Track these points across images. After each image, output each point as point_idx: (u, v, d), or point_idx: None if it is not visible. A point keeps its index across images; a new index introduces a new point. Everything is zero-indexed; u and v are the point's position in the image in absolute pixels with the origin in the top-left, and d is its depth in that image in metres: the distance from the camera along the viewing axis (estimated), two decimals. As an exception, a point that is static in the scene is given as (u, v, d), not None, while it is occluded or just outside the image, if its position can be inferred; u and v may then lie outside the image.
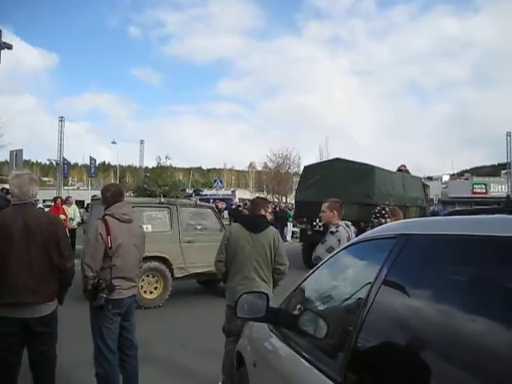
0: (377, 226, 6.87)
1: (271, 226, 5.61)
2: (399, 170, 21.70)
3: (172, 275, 10.16)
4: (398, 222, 2.73)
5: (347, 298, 2.68)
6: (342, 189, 14.41)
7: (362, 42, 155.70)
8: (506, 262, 1.66)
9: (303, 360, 2.65)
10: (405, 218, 15.15)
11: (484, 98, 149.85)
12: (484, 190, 65.14)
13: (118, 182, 74.04)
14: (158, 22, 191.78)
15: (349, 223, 5.81)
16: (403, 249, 2.18)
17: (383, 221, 7.30)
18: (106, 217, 4.82)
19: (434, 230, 2.14)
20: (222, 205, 24.95)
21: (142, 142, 45.39)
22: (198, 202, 12.05)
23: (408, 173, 21.89)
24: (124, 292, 4.78)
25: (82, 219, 17.82)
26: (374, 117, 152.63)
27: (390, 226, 2.60)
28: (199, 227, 11.09)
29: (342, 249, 3.07)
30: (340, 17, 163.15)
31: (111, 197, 4.95)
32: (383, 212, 7.66)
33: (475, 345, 1.59)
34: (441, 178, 75.74)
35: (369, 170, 16.84)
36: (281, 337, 3.15)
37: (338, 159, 18.39)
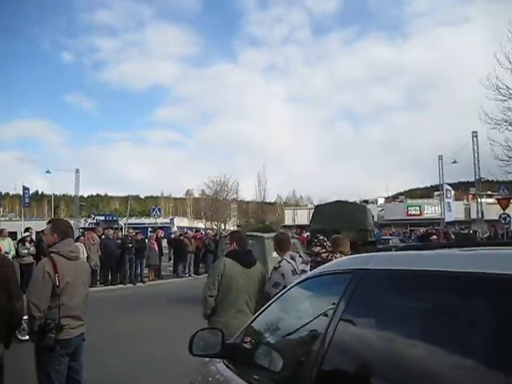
0: (312, 253, 7.05)
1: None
2: None
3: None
4: (352, 256, 2.82)
5: (304, 332, 2.73)
6: (344, 220, 20.77)
7: (298, 69, 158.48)
8: (458, 295, 1.78)
9: (260, 394, 2.69)
10: (366, 239, 19.47)
11: (416, 121, 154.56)
12: (418, 212, 67.03)
13: (52, 211, 72.45)
14: (92, 47, 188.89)
15: (295, 255, 5.94)
16: (359, 284, 2.26)
17: (318, 249, 7.50)
18: (52, 254, 4.71)
19: (388, 265, 2.22)
20: (160, 233, 24.70)
21: (77, 170, 44.46)
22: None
23: None
24: (72, 331, 4.68)
25: (16, 252, 17.18)
26: (310, 142, 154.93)
27: (346, 261, 2.68)
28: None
29: (298, 283, 3.12)
30: (276, 44, 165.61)
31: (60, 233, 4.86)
32: (322, 241, 7.86)
33: (433, 376, 1.67)
34: (376, 201, 77.34)
35: (363, 206, 27.38)
36: (236, 371, 3.16)
37: (340, 201, 26.85)
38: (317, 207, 27.48)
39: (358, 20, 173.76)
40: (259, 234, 14.95)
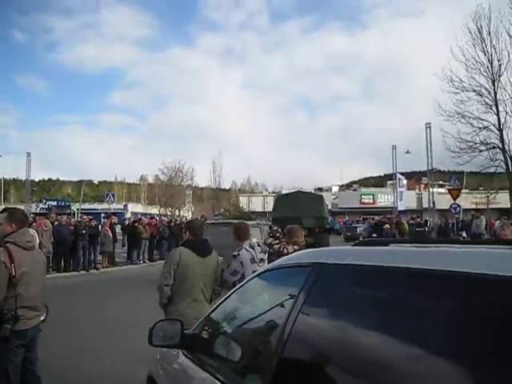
0: (268, 245, 7.14)
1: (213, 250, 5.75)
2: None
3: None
4: (311, 250, 2.89)
5: (262, 323, 2.80)
6: (303, 208, 23.00)
7: (255, 56, 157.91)
8: (410, 290, 1.88)
9: (218, 383, 2.73)
10: (324, 226, 21.81)
11: (371, 111, 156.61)
12: (372, 201, 68.23)
13: (2, 196, 70.73)
14: (46, 27, 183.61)
15: (255, 244, 6.02)
16: (318, 277, 2.33)
17: (270, 240, 7.61)
18: (8, 244, 4.62)
19: (345, 260, 2.30)
20: (114, 219, 24.46)
21: (28, 154, 43.58)
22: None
23: None
24: (29, 322, 4.63)
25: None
26: (266, 129, 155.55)
27: (305, 254, 2.75)
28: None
29: (257, 274, 3.18)
30: (233, 30, 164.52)
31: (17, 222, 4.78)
32: (275, 232, 7.97)
33: (387, 364, 1.77)
34: (330, 189, 78.29)
35: (320, 196, 29.21)
36: (196, 361, 3.21)
37: (300, 191, 30.67)
38: (278, 197, 30.33)
39: (317, 9, 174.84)
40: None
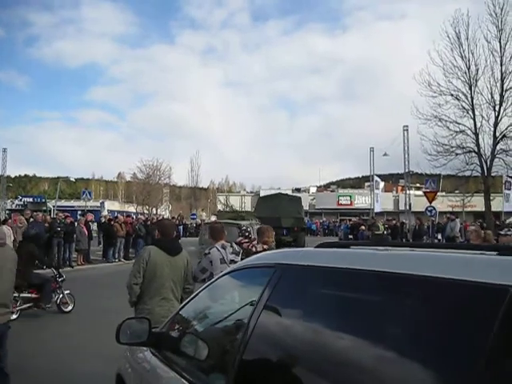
0: (238, 243, 7.17)
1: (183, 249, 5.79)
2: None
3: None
4: (275, 251, 2.93)
5: (229, 322, 2.85)
6: (283, 208, 25.54)
7: (236, 55, 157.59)
8: (367, 291, 1.97)
9: (185, 381, 2.76)
10: (302, 225, 24.45)
11: (351, 113, 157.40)
12: (349, 202, 68.49)
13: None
14: (25, 21, 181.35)
15: (227, 244, 6.07)
16: (281, 277, 2.38)
17: (240, 239, 7.66)
18: None
19: (307, 261, 2.36)
20: (90, 217, 24.30)
21: (4, 150, 43.09)
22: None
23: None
24: None
25: None
26: (245, 129, 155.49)
27: (269, 255, 2.80)
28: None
29: (224, 274, 3.21)
30: (215, 28, 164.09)
31: None
32: (245, 232, 8.03)
33: (345, 362, 1.84)
34: (308, 190, 78.50)
35: (298, 198, 31.69)
36: (163, 360, 3.23)
37: (280, 193, 33.23)
38: (260, 198, 32.94)
39: (298, 10, 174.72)
40: (237, 221, 17.91)
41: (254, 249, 6.99)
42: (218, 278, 3.26)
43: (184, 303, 3.52)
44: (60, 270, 11.85)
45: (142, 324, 3.36)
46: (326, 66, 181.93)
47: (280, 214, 24.68)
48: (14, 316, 10.16)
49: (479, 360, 1.38)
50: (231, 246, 6.17)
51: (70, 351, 7.70)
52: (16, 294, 10.05)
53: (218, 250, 5.93)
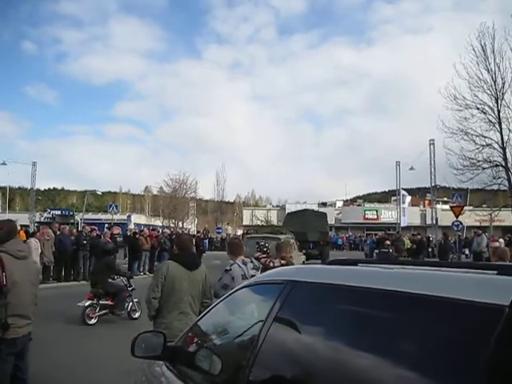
0: (256, 258, 7.19)
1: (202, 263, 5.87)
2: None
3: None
4: (285, 268, 2.98)
5: (240, 336, 2.87)
6: (309, 223, 27.23)
7: (262, 69, 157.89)
8: (375, 309, 1.99)
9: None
10: (327, 239, 25.94)
11: (376, 126, 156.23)
12: (375, 216, 67.92)
13: (7, 204, 70.97)
14: (55, 38, 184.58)
15: (247, 260, 6.08)
16: (290, 294, 2.43)
17: (258, 254, 7.67)
18: (1, 253, 4.72)
19: (315, 279, 2.42)
20: (117, 230, 24.53)
21: (34, 163, 43.74)
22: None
23: None
24: (19, 330, 4.69)
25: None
26: (271, 142, 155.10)
27: (279, 272, 2.85)
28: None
29: (237, 289, 3.25)
30: (241, 43, 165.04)
31: (5, 234, 4.86)
32: (263, 247, 8.06)
33: (347, 375, 1.88)
34: (334, 204, 78.09)
35: (324, 213, 33.55)
36: (178, 374, 3.26)
37: (306, 209, 35.98)
38: (288, 213, 35.24)
39: (324, 23, 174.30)
40: (275, 235, 18.77)
41: (271, 264, 7.01)
42: (231, 294, 3.29)
43: (199, 318, 3.55)
44: (130, 280, 12.62)
45: (157, 337, 3.40)
46: (351, 79, 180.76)
47: (307, 229, 26.30)
48: (94, 321, 11.20)
49: (476, 378, 1.40)
50: (251, 262, 6.19)
51: (89, 364, 7.76)
52: (95, 302, 11.24)
53: (240, 266, 5.93)
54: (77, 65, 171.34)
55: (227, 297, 3.34)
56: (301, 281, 2.46)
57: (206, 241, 43.03)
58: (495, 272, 1.73)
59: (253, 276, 5.90)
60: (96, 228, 22.99)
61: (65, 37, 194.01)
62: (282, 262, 6.89)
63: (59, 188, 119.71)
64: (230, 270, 5.88)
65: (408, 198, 59.09)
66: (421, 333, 1.71)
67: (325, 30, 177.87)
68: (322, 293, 2.32)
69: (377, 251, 32.85)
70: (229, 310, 3.34)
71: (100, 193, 57.21)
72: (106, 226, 35.63)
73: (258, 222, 41.00)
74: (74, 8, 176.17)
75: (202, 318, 3.48)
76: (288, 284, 2.48)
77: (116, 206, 41.78)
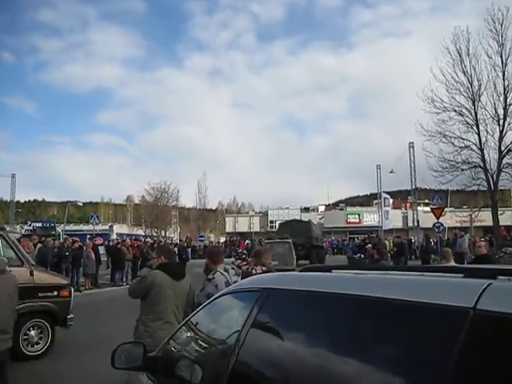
0: (237, 266, 7.21)
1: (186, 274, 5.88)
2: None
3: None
4: (261, 276, 3.01)
5: (220, 344, 2.90)
6: (297, 231, 32.71)
7: (243, 75, 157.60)
8: (344, 314, 2.06)
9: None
10: (312, 242, 30.69)
11: (358, 130, 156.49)
12: (358, 220, 68.21)
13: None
14: (34, 47, 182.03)
15: (228, 267, 6.07)
16: (266, 301, 2.47)
17: (238, 262, 7.71)
18: None
19: (289, 286, 2.47)
20: (99, 241, 24.41)
21: (13, 175, 43.43)
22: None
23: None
24: None
25: None
26: (253, 149, 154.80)
27: (255, 280, 2.88)
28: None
29: (216, 298, 3.27)
30: (221, 49, 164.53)
31: None
32: (241, 254, 8.11)
33: (326, 379, 1.91)
34: (317, 209, 78.29)
35: (309, 221, 39.75)
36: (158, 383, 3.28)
37: (295, 219, 44.45)
38: (281, 223, 42.95)
39: (304, 29, 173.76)
40: (287, 240, 28.39)
41: (253, 271, 6.99)
42: (210, 302, 3.31)
43: (179, 327, 3.56)
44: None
45: (137, 348, 3.41)
46: (333, 84, 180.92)
47: (295, 235, 31.41)
48: None
49: (445, 381, 1.43)
50: (232, 268, 6.18)
51: (72, 375, 7.72)
52: None
53: (222, 273, 5.88)
54: (57, 74, 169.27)
55: (206, 305, 3.36)
56: (276, 288, 2.51)
57: (189, 249, 43.00)
58: (461, 275, 1.77)
59: (236, 282, 5.91)
60: (78, 239, 22.84)
61: (44, 45, 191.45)
62: (264, 268, 6.87)
63: (40, 199, 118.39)
64: (213, 278, 5.83)
65: (391, 201, 59.41)
66: (392, 337, 1.75)
67: (305, 36, 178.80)
68: (297, 299, 2.35)
69: (358, 255, 33.32)
70: (208, 318, 3.35)
71: (81, 203, 56.85)
72: (88, 237, 35.40)
73: (241, 230, 44.08)
74: (53, 16, 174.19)
75: (182, 326, 3.49)
76: (264, 292, 2.52)
77: (97, 217, 41.55)
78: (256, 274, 6.25)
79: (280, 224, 43.29)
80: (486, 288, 1.53)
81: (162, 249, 6.23)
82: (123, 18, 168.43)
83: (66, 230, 42.74)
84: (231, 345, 2.53)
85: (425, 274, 2.03)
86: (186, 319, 3.51)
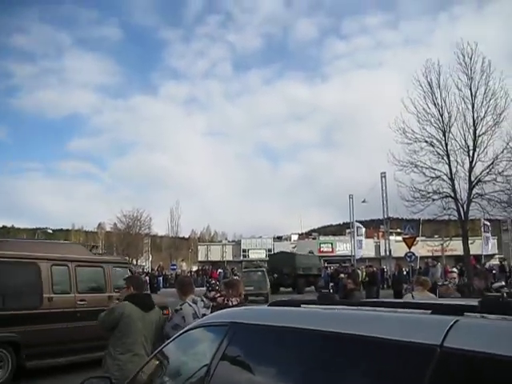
0: (210, 298, 7.14)
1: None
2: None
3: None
4: (229, 310, 3.00)
5: (189, 379, 2.87)
6: (284, 262, 37.02)
7: (218, 104, 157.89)
8: (315, 350, 2.04)
9: None
10: (296, 271, 36.54)
11: (331, 160, 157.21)
12: (330, 249, 68.26)
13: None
14: (6, 72, 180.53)
15: (198, 299, 6.00)
16: (234, 336, 2.49)
17: (213, 293, 7.62)
18: None
19: (257, 320, 2.48)
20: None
21: (-19, 203, 42.76)
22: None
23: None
24: None
25: None
26: (227, 177, 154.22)
27: (223, 314, 2.87)
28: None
29: (185, 331, 3.24)
30: (197, 78, 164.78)
31: None
32: (214, 285, 8.02)
33: None
34: (290, 238, 78.19)
35: (293, 254, 42.27)
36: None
37: (282, 251, 45.16)
38: (270, 255, 48.55)
39: (279, 59, 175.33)
40: (260, 268, 32.59)
41: (230, 303, 6.90)
42: (180, 335, 3.28)
43: (148, 360, 3.51)
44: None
45: (103, 382, 3.34)
46: (306, 113, 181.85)
47: (282, 266, 36.02)
48: None
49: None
50: (202, 300, 6.12)
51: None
52: None
53: (190, 304, 5.83)
54: (29, 99, 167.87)
55: (176, 338, 3.32)
56: (243, 323, 2.52)
57: (161, 278, 42.55)
58: (429, 311, 1.77)
59: (204, 315, 5.83)
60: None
61: (16, 70, 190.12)
62: (238, 299, 6.80)
63: (9, 226, 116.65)
64: (181, 309, 5.78)
65: (363, 230, 59.75)
66: (360, 373, 1.74)
67: (280, 66, 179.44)
68: (264, 334, 2.36)
69: (331, 284, 33.34)
70: (178, 351, 3.33)
71: (51, 230, 56.03)
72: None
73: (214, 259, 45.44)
74: (26, 41, 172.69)
75: (151, 359, 3.44)
76: (232, 326, 2.53)
77: (68, 244, 40.95)
78: (232, 305, 6.18)
79: (269, 256, 48.81)
80: (452, 325, 1.53)
81: (131, 279, 6.12)
82: (98, 45, 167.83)
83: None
84: (201, 378, 2.53)
85: (393, 309, 2.03)
86: (156, 351, 3.47)
